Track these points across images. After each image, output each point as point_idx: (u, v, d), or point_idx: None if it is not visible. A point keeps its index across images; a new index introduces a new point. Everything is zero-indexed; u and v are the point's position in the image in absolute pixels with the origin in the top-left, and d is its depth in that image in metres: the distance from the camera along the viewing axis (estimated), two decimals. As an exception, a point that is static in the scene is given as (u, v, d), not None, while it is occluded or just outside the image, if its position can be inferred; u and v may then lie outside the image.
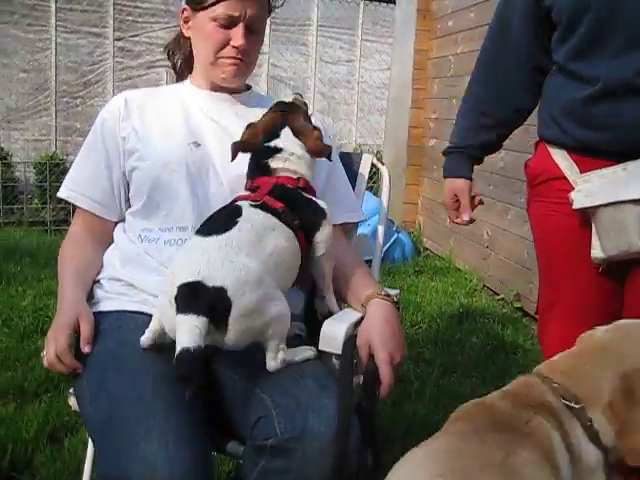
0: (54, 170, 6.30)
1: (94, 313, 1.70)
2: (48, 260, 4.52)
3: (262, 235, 1.44)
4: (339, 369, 1.50)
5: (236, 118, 1.76)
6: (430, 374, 3.22)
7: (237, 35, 1.66)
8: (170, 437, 1.29)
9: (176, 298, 1.32)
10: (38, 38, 7.25)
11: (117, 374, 1.45)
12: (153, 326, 1.48)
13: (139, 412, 1.34)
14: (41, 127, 7.36)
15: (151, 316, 1.58)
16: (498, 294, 4.56)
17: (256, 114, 1.77)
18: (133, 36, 7.54)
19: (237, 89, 1.81)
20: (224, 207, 1.53)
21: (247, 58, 1.72)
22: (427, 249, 5.77)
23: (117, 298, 1.69)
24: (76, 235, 1.79)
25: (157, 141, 1.69)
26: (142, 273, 1.66)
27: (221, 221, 1.46)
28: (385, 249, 5.17)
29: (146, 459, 1.25)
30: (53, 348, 1.51)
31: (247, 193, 1.55)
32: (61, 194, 1.79)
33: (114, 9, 7.40)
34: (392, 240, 5.29)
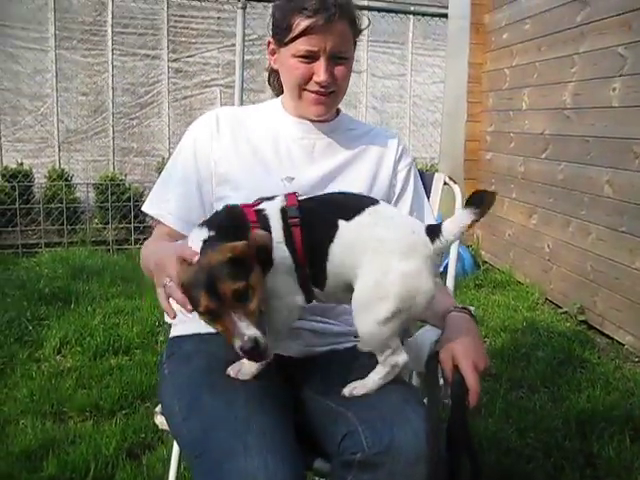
0: (114, 190, 6.45)
1: (175, 337, 1.76)
2: (114, 279, 4.65)
3: None
4: (428, 385, 1.52)
5: (329, 148, 1.78)
6: (498, 389, 3.20)
7: (319, 70, 1.65)
8: (269, 453, 1.31)
9: None
10: (96, 62, 7.48)
11: (210, 395, 1.48)
12: None
13: (235, 430, 1.37)
14: (99, 148, 7.57)
15: None
16: (561, 307, 4.50)
17: (349, 141, 1.81)
18: (188, 57, 7.70)
19: (327, 119, 1.80)
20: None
21: (333, 88, 1.69)
22: (486, 262, 5.72)
23: (194, 321, 1.73)
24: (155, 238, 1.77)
25: (251, 173, 1.69)
26: None
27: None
28: (445, 264, 5.14)
29: (247, 473, 1.28)
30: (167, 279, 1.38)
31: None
32: (148, 210, 1.78)
33: (168, 31, 7.59)
34: (451, 254, 5.25)
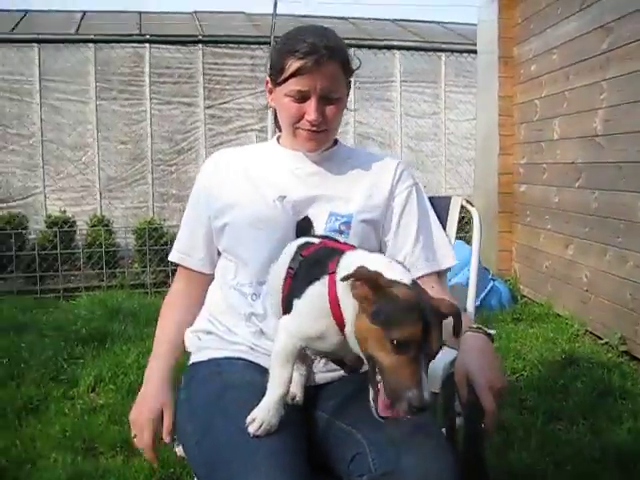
0: (152, 234, 6.55)
1: (193, 364, 1.78)
2: (149, 320, 4.67)
3: None
4: (444, 408, 1.49)
5: (319, 175, 1.81)
6: (534, 422, 3.12)
7: (310, 109, 1.70)
8: (276, 473, 1.31)
9: None
10: (134, 111, 7.70)
11: (222, 418, 1.49)
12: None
13: (245, 452, 1.37)
14: (139, 195, 7.72)
15: (249, 361, 1.65)
16: (602, 338, 4.38)
17: (344, 169, 1.82)
18: (222, 103, 7.86)
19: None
20: None
21: (325, 127, 1.75)
22: (525, 296, 5.62)
23: (214, 347, 1.76)
24: (175, 295, 1.92)
25: (244, 199, 1.76)
26: (235, 321, 1.74)
27: None
28: (481, 298, 5.10)
29: None
30: (141, 441, 1.73)
31: None
32: (171, 258, 1.91)
33: (204, 79, 7.76)
34: (488, 288, 5.20)
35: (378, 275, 1.26)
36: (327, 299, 1.36)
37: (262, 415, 1.39)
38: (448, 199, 2.16)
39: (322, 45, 1.67)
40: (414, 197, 1.86)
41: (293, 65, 1.68)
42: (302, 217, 1.71)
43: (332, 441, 1.52)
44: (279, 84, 1.74)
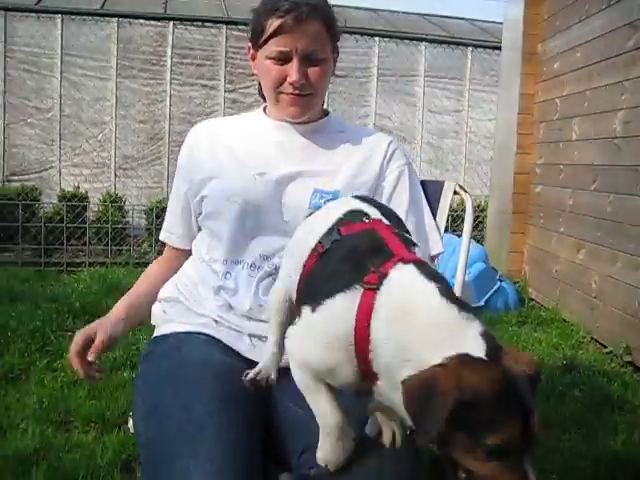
0: (161, 214, 6.48)
1: (155, 337, 1.73)
2: (146, 298, 4.62)
3: None
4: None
5: (305, 148, 1.74)
6: (525, 427, 3.00)
7: (292, 70, 1.63)
8: (217, 457, 1.25)
9: None
10: (154, 91, 7.64)
11: (172, 396, 1.43)
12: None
13: (185, 433, 1.31)
14: (154, 175, 7.67)
15: (211, 336, 1.57)
16: (606, 347, 4.24)
17: (333, 143, 1.75)
18: (244, 88, 7.78)
19: (309, 120, 1.76)
20: None
21: (309, 90, 1.67)
22: (533, 299, 5.49)
23: (178, 321, 1.70)
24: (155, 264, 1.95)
25: (224, 172, 1.69)
26: (204, 292, 1.68)
27: None
28: (487, 298, 4.99)
29: (185, 475, 1.22)
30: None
31: None
32: (160, 237, 1.92)
33: (226, 62, 7.68)
34: (494, 289, 5.08)
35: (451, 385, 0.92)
36: (352, 324, 1.04)
37: (328, 457, 1.20)
38: (441, 184, 2.05)
39: (303, 2, 1.60)
40: (406, 177, 1.78)
41: (273, 24, 1.61)
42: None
43: (290, 428, 1.45)
44: (260, 47, 1.67)
